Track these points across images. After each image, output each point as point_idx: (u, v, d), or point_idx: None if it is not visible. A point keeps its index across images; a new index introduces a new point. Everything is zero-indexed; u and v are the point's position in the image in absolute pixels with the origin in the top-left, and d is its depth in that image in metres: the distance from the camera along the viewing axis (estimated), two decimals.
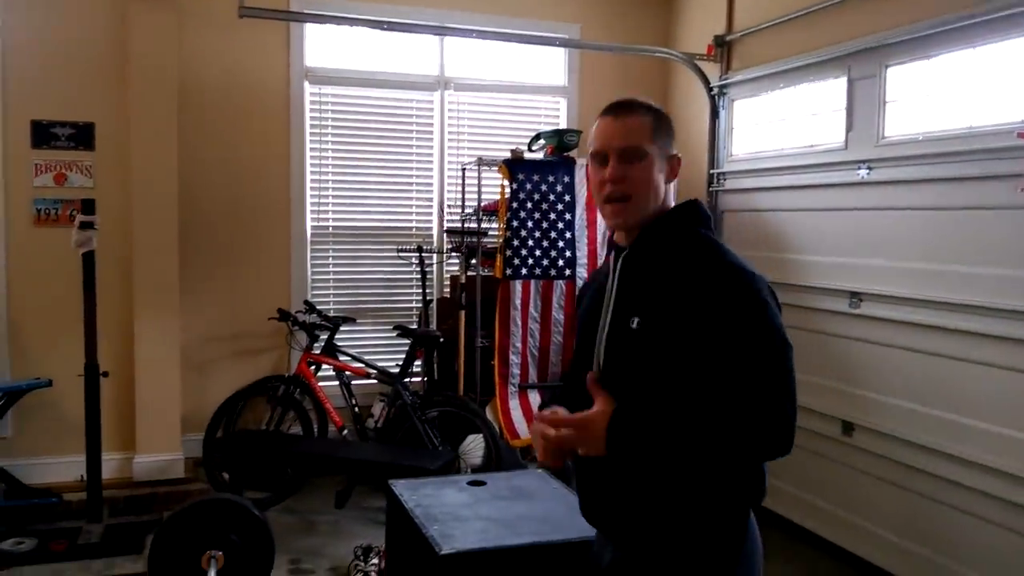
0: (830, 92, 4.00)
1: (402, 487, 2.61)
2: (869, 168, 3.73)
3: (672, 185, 1.75)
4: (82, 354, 3.90)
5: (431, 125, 5.13)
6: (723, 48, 4.81)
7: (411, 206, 5.16)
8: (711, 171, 4.85)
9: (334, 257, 5.03)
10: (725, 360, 1.51)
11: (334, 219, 5.03)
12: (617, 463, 1.60)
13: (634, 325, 1.61)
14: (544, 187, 4.54)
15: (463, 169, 4.92)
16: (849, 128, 3.86)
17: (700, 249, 1.64)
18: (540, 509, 2.45)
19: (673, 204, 1.75)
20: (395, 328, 4.73)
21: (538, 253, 4.55)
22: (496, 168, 4.55)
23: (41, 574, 3.57)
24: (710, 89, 4.82)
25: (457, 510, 2.41)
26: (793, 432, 1.50)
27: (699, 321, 1.54)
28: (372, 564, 3.52)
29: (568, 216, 4.58)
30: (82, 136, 4.34)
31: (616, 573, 1.69)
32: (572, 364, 1.83)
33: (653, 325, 1.59)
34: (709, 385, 1.51)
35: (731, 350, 1.51)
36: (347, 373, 4.68)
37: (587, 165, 1.76)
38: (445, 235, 4.97)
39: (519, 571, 2.22)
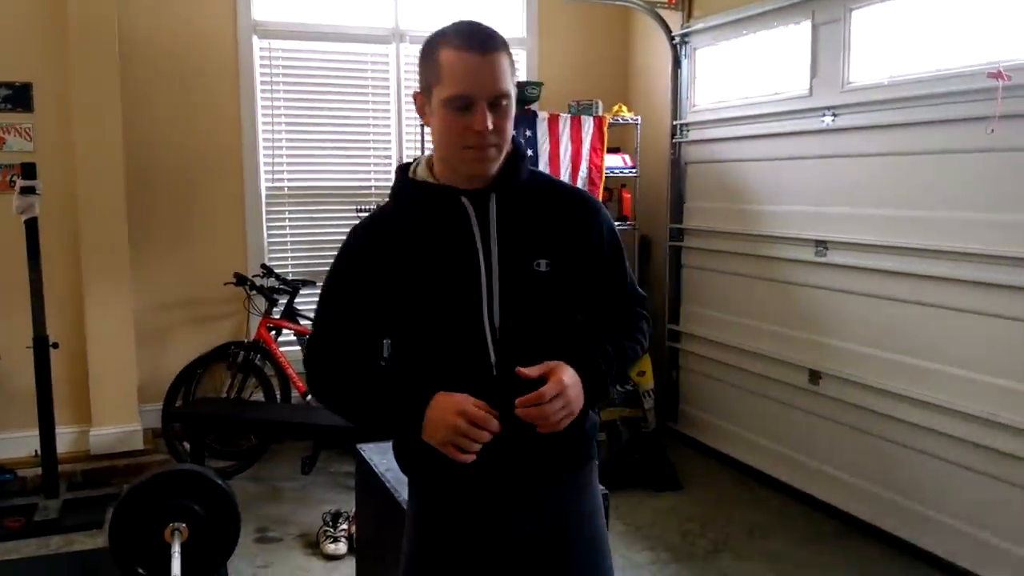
0: (794, 38, 3.94)
1: (371, 451, 2.54)
2: (834, 115, 3.69)
3: None
4: (30, 325, 3.75)
5: (387, 79, 4.98)
6: None
7: (369, 164, 5.02)
8: (674, 122, 4.78)
9: (291, 219, 4.89)
10: (616, 276, 1.73)
11: (289, 179, 4.87)
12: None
13: (541, 267, 1.60)
14: None
15: (422, 125, 4.78)
16: (813, 75, 3.81)
17: (555, 182, 1.74)
18: None
19: None
20: None
21: None
22: None
23: None
24: (672, 38, 4.73)
25: None
26: None
27: (599, 251, 1.68)
28: (341, 530, 3.46)
29: None
30: (19, 97, 4.12)
31: (539, 533, 1.65)
32: (426, 317, 1.61)
33: (561, 263, 1.62)
34: (613, 302, 1.73)
35: (617, 267, 1.73)
36: (308, 337, 4.56)
37: (432, 105, 1.56)
38: None
39: None
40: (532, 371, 1.53)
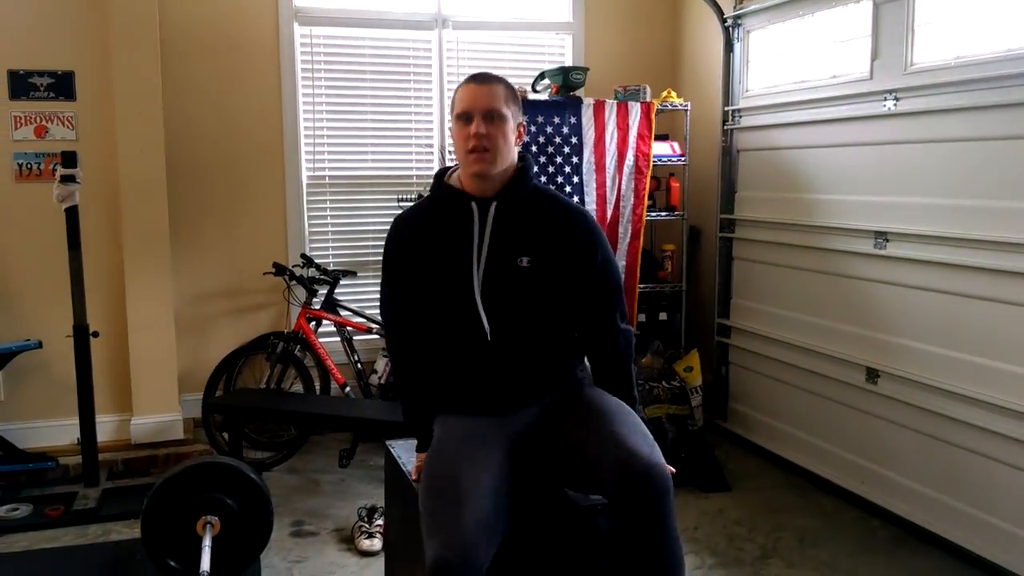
0: (854, 18, 3.73)
1: (400, 448, 2.45)
2: (896, 98, 3.48)
3: (517, 147, 2.17)
4: (72, 314, 3.75)
5: (429, 66, 4.88)
6: None
7: (411, 153, 4.94)
8: (725, 108, 4.59)
9: (331, 208, 4.83)
10: (605, 295, 2.21)
11: (330, 168, 4.82)
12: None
13: (524, 263, 2.12)
14: (549, 129, 4.31)
15: None
16: (875, 56, 3.60)
17: (556, 199, 2.22)
18: None
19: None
20: None
21: None
22: None
23: (36, 541, 3.47)
24: (724, 20, 4.54)
25: None
26: None
27: (572, 252, 2.15)
28: (376, 525, 3.39)
29: (575, 159, 4.35)
30: (62, 86, 4.13)
31: (541, 421, 2.16)
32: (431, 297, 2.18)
33: (542, 262, 2.13)
34: (602, 321, 2.22)
35: (605, 286, 2.21)
36: (348, 328, 4.51)
37: (450, 127, 2.19)
38: None
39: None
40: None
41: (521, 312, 2.15)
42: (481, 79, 2.14)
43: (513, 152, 2.14)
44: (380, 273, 2.30)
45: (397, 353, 2.29)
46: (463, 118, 2.09)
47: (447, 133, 4.90)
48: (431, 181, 2.24)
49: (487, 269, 2.11)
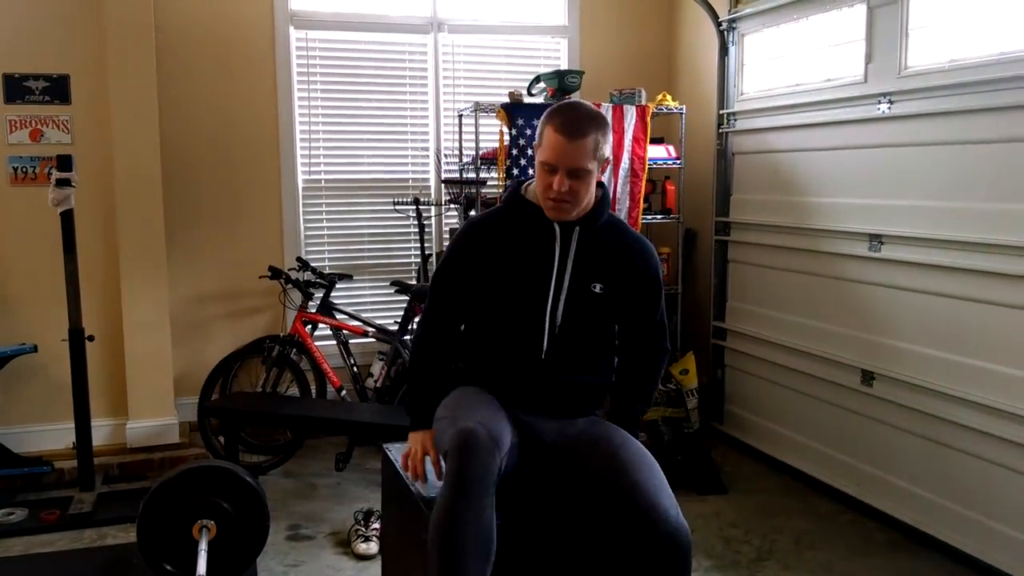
0: (848, 22, 3.74)
1: (396, 451, 2.45)
2: (891, 102, 3.50)
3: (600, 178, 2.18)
4: (67, 318, 3.74)
5: (425, 70, 4.89)
6: None
7: (406, 156, 4.94)
8: (720, 111, 4.61)
9: (327, 212, 4.83)
10: (649, 308, 2.30)
11: (326, 171, 4.82)
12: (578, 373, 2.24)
13: (597, 289, 2.19)
14: None
15: (460, 116, 4.68)
16: (869, 59, 3.61)
17: (629, 230, 2.30)
18: None
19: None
20: (393, 284, 4.54)
21: None
22: (494, 113, 4.31)
23: (32, 545, 3.45)
24: (719, 24, 4.55)
25: None
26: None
27: (640, 283, 2.25)
28: (373, 529, 3.39)
29: None
30: (57, 89, 4.12)
31: (560, 440, 2.18)
32: (501, 308, 2.22)
33: (612, 289, 2.20)
34: (644, 332, 2.31)
35: (651, 301, 2.29)
36: (344, 332, 4.51)
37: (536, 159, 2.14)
38: (443, 186, 4.73)
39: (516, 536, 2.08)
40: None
41: (582, 336, 2.21)
42: (572, 131, 2.04)
43: (593, 193, 2.15)
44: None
45: (427, 336, 2.31)
46: (548, 168, 2.07)
47: (443, 137, 4.91)
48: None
49: (561, 291, 2.16)
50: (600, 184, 2.20)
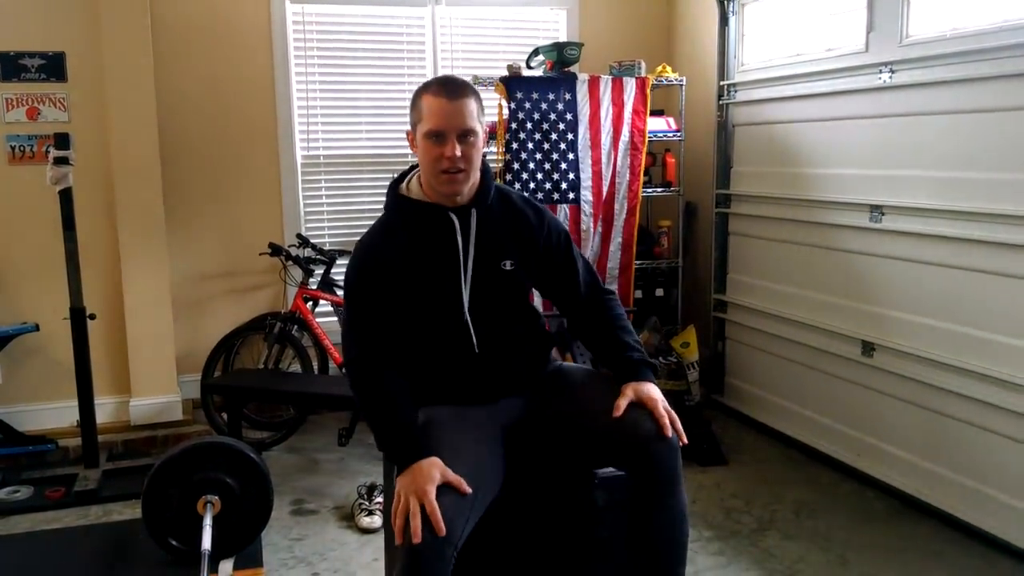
0: None
1: None
2: (892, 71, 3.47)
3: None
4: (68, 296, 3.74)
5: (423, 43, 4.85)
6: None
7: (405, 131, 4.90)
8: (721, 83, 4.57)
9: (327, 187, 4.82)
10: (570, 264, 2.21)
11: (324, 147, 4.80)
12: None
13: (508, 267, 2.11)
14: (544, 105, 4.29)
15: None
16: (870, 28, 3.58)
17: (513, 195, 2.18)
18: None
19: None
20: None
21: (540, 176, 4.32)
22: (492, 87, 4.28)
23: (37, 523, 3.48)
24: None
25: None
26: None
27: (550, 242, 2.17)
28: (376, 503, 3.41)
29: (571, 136, 4.33)
30: (53, 67, 4.09)
31: (528, 412, 2.15)
32: (421, 307, 2.09)
33: (524, 261, 2.13)
34: (581, 287, 2.23)
35: (568, 256, 2.21)
36: None
37: (417, 138, 2.04)
38: None
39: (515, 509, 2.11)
40: (622, 403, 2.02)
41: (506, 316, 2.14)
42: (452, 92, 1.98)
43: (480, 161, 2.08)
44: (345, 294, 2.15)
45: (365, 378, 2.05)
46: (435, 137, 1.97)
47: None
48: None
49: (474, 279, 2.07)
50: (486, 161, 2.15)
